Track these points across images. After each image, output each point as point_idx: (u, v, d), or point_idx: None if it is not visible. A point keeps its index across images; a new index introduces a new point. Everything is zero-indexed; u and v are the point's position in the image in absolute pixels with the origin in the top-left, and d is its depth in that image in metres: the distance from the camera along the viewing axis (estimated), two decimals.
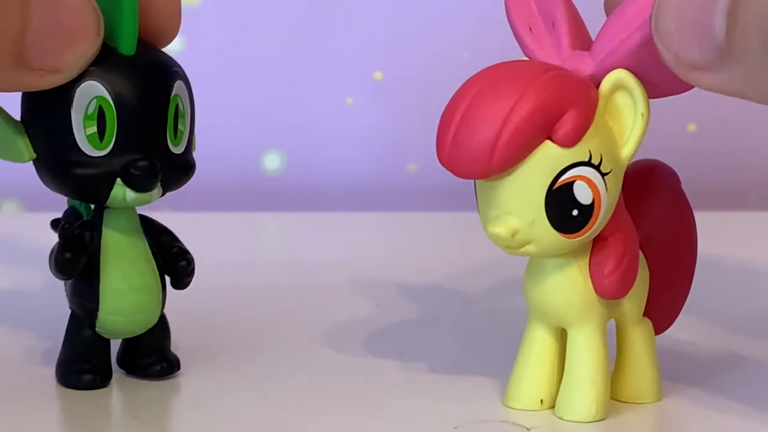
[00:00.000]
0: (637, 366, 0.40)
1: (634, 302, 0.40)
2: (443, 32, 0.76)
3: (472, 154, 0.36)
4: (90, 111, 0.38)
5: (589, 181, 0.36)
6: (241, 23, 0.77)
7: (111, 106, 0.38)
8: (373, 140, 0.77)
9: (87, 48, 0.37)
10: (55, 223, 0.44)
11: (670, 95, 0.37)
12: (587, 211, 0.37)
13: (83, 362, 0.40)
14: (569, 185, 0.36)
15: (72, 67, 0.37)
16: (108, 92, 0.38)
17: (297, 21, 0.76)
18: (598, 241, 0.38)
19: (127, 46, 0.38)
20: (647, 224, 0.40)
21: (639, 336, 0.40)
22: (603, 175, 0.37)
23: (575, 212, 0.37)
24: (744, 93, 0.34)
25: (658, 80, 0.36)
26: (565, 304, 0.38)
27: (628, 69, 0.36)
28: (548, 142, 0.36)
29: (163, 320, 0.41)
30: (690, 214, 0.42)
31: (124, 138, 0.38)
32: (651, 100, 0.37)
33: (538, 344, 0.39)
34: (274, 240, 0.70)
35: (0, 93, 0.37)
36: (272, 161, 0.77)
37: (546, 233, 0.37)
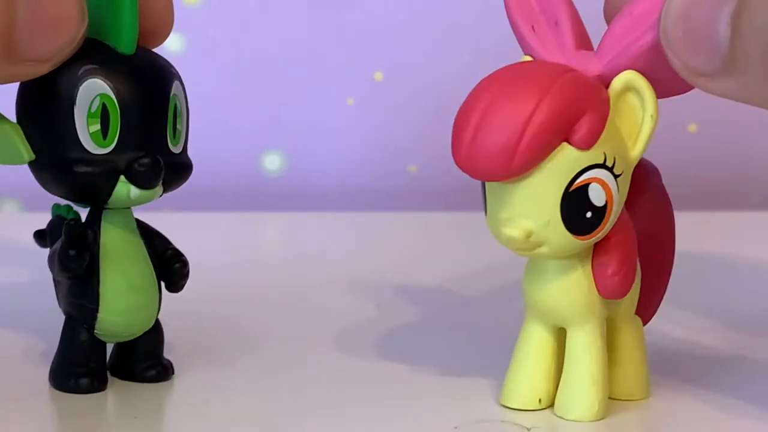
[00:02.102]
0: (631, 363, 0.40)
1: (629, 301, 0.40)
2: (443, 32, 0.76)
3: (492, 156, 0.36)
4: (93, 109, 0.38)
5: (603, 183, 0.37)
6: (241, 23, 0.77)
7: (114, 104, 0.38)
8: (374, 140, 0.77)
9: (74, 35, 0.37)
10: (39, 235, 0.44)
11: (677, 95, 0.37)
12: (600, 212, 0.37)
13: (80, 366, 0.40)
14: (584, 187, 0.36)
15: (59, 54, 0.37)
16: (111, 90, 0.38)
17: (297, 21, 0.76)
18: (601, 242, 0.38)
19: (127, 45, 0.38)
20: (635, 220, 0.40)
21: (631, 333, 0.40)
22: (616, 176, 0.37)
23: (589, 214, 0.37)
24: (750, 99, 0.34)
25: (667, 81, 0.36)
26: (567, 304, 0.38)
27: (638, 70, 0.36)
28: (566, 144, 0.36)
29: (157, 325, 0.41)
30: (669, 208, 0.42)
31: (127, 135, 0.38)
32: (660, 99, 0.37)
33: (536, 343, 0.39)
34: (274, 240, 0.70)
35: None
36: (272, 161, 0.77)
37: (559, 235, 0.37)
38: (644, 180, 0.41)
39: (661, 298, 0.43)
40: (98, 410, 0.39)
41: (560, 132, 0.36)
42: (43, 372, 0.41)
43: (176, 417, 0.40)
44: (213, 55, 0.76)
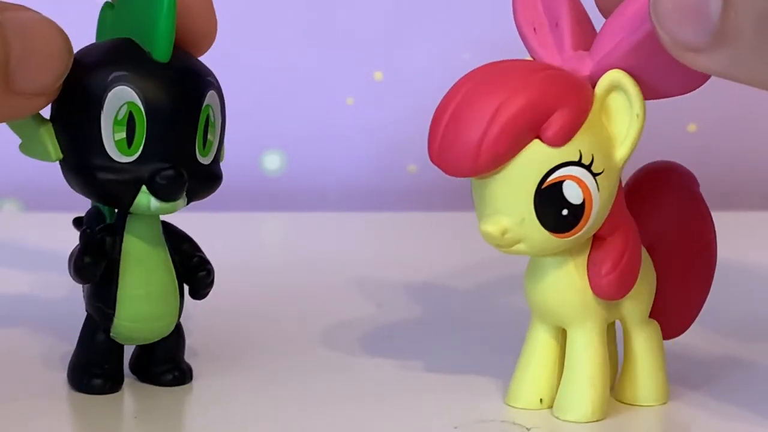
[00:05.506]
0: (640, 368, 0.40)
1: (636, 303, 0.40)
2: (443, 32, 0.76)
3: (459, 152, 0.36)
4: (120, 116, 0.37)
5: (579, 181, 0.36)
6: (241, 23, 0.77)
7: (141, 113, 0.37)
8: (373, 140, 0.77)
9: (65, 67, 0.37)
10: (77, 222, 0.43)
11: (667, 97, 0.37)
12: (578, 210, 0.37)
13: (95, 366, 0.40)
14: (558, 185, 0.36)
15: (53, 87, 0.37)
16: (139, 98, 0.37)
17: (297, 21, 0.76)
18: (596, 241, 0.38)
19: (162, 52, 0.38)
20: (661, 226, 0.40)
21: (643, 338, 0.40)
22: (594, 175, 0.37)
23: (565, 212, 0.37)
24: (736, 75, 0.34)
25: (655, 81, 0.36)
26: (563, 304, 0.38)
27: (625, 69, 0.36)
28: (537, 141, 0.36)
29: (178, 329, 0.41)
30: (708, 217, 0.41)
31: (153, 145, 0.38)
32: (651, 100, 0.37)
33: (540, 344, 0.39)
34: (274, 240, 0.70)
35: None
36: (272, 161, 0.77)
37: (536, 232, 0.37)
38: (667, 183, 0.41)
39: (696, 311, 0.42)
40: (103, 410, 0.39)
41: (529, 128, 0.36)
42: (43, 370, 0.41)
43: (174, 415, 0.40)
44: (212, 55, 0.76)
